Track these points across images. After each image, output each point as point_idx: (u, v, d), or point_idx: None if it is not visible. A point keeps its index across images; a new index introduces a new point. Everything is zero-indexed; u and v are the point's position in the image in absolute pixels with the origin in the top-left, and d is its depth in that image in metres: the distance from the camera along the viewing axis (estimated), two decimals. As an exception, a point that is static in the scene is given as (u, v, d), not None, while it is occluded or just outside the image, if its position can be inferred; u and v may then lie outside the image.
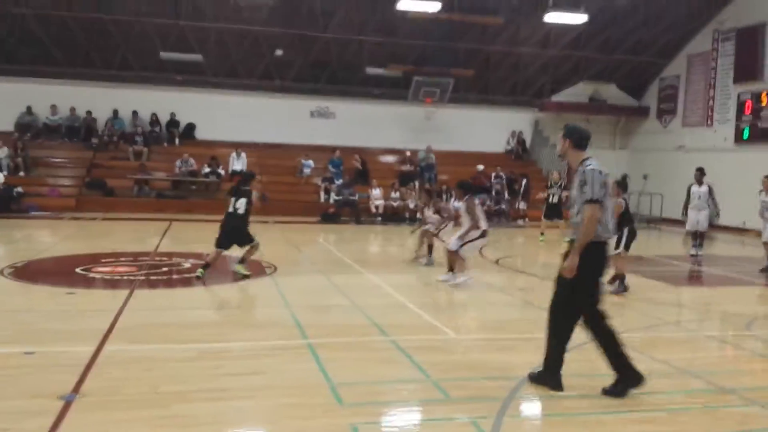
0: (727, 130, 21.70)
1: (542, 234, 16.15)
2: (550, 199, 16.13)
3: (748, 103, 20.96)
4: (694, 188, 13.99)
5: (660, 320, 8.01)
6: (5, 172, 18.82)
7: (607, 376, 5.08)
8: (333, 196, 20.79)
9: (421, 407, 4.77)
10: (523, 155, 25.36)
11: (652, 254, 14.45)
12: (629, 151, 26.76)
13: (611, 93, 26.00)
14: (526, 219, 21.65)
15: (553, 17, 20.48)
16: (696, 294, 10.77)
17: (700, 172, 13.98)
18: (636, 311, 8.51)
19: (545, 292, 9.39)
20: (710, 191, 13.79)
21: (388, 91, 23.77)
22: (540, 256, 14.44)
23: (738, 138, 21.28)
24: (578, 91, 25.61)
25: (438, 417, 4.56)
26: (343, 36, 21.70)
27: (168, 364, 5.50)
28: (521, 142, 25.59)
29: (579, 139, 5.18)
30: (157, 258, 11.28)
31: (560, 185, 15.96)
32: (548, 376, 5.09)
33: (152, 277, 9.57)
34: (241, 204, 9.50)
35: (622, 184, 9.26)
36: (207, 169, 20.95)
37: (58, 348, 5.85)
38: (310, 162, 22.43)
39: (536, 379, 5.16)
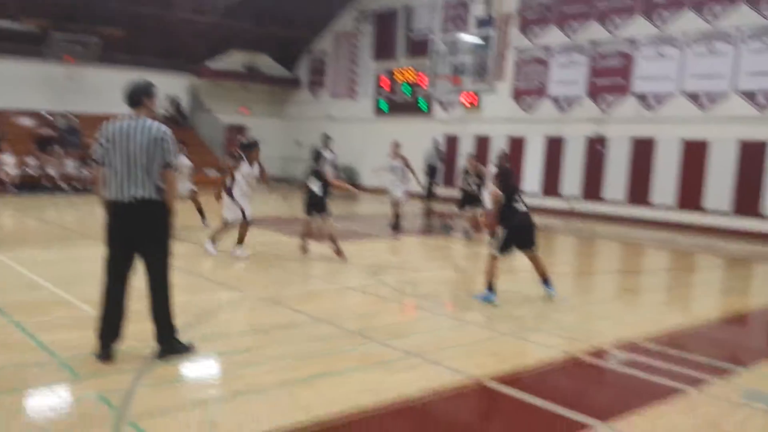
0: (368, 103, 24.02)
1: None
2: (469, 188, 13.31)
3: (385, 80, 23.44)
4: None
5: (306, 275, 8.57)
6: None
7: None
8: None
9: (47, 391, 4.34)
10: (180, 121, 24.71)
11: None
12: (284, 119, 27.95)
13: (265, 63, 26.77)
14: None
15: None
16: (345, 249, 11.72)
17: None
18: (284, 269, 8.95)
19: (205, 259, 9.46)
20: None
21: (22, 47, 20.95)
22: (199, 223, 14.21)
23: (377, 110, 23.72)
24: (234, 60, 25.81)
25: (66, 398, 4.22)
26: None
27: None
28: (178, 108, 24.89)
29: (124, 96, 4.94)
30: None
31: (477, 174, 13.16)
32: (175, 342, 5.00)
33: None
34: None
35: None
36: None
37: None
38: None
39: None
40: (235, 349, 5.32)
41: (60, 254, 9.63)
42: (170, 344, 4.95)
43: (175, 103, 24.73)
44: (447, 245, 12.36)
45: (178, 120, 24.60)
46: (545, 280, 7.64)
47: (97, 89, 22.32)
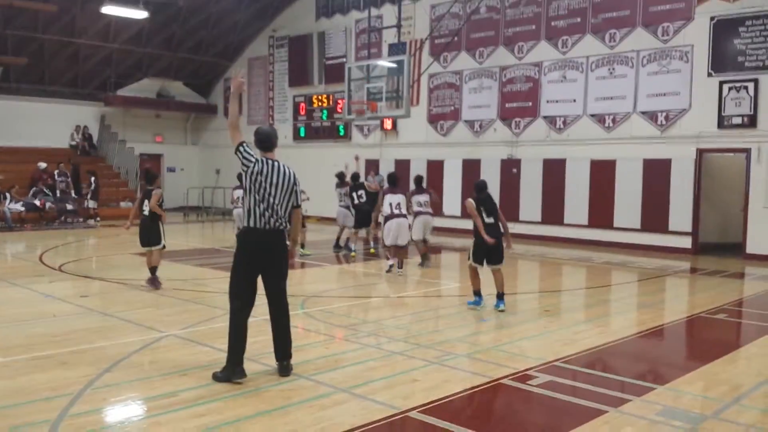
0: (287, 129, 23.92)
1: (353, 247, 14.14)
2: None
3: (302, 105, 23.42)
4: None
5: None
6: None
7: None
8: None
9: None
10: (90, 151, 23.89)
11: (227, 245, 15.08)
12: (200, 147, 27.43)
13: (179, 90, 26.27)
14: (98, 218, 20.47)
15: (111, 10, 19.65)
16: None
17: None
18: (206, 305, 8.72)
19: (116, 297, 9.08)
20: None
21: None
22: (115, 258, 13.70)
23: (296, 135, 23.64)
24: (145, 87, 25.20)
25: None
26: None
27: None
28: (88, 137, 24.05)
29: (258, 141, 5.68)
30: None
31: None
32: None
33: None
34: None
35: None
36: None
37: None
38: None
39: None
40: (158, 393, 5.12)
41: None
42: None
43: (83, 133, 23.86)
44: (356, 270, 12.38)
45: (86, 149, 23.76)
46: (500, 295, 8.40)
47: (4, 121, 21.35)
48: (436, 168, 19.49)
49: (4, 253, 14.68)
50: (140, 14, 20.06)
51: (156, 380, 5.50)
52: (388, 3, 20.48)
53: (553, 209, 17.23)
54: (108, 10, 19.58)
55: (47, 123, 22.74)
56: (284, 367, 5.59)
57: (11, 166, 20.73)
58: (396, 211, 11.42)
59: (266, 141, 5.65)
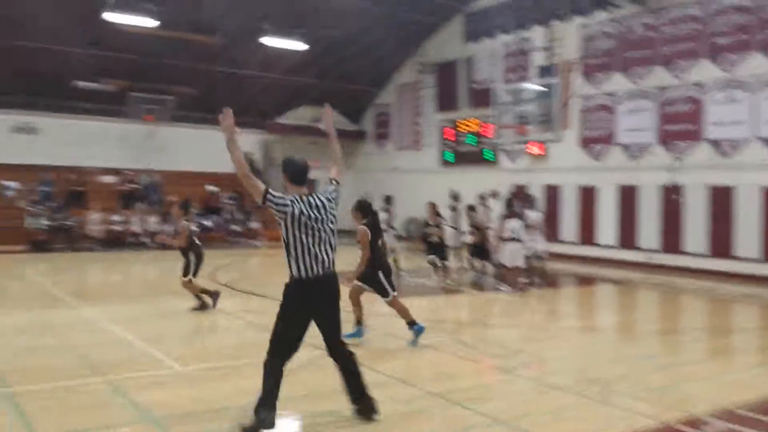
0: (433, 154, 24.20)
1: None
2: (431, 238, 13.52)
3: (449, 130, 23.64)
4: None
5: (377, 330, 8.58)
6: None
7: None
8: (43, 221, 18.65)
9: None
10: (255, 176, 25.57)
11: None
12: (352, 172, 28.40)
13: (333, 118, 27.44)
14: (261, 239, 21.82)
15: (271, 41, 20.98)
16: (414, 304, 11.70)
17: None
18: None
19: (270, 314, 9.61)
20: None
21: (104, 107, 22.16)
22: (275, 276, 14.49)
23: (442, 161, 23.87)
24: (302, 115, 26.56)
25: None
26: (46, 46, 19.64)
27: None
28: (252, 163, 25.76)
29: (294, 174, 4.98)
30: None
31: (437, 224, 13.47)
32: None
33: None
34: None
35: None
36: None
37: None
38: (12, 183, 19.90)
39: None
40: (319, 411, 5.33)
41: (146, 310, 9.95)
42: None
43: (248, 159, 25.56)
44: (501, 299, 12.16)
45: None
46: (411, 323, 7.83)
47: (174, 146, 23.33)
48: (588, 194, 18.83)
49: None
50: (299, 46, 21.28)
51: (323, 397, 5.73)
52: (537, 25, 20.21)
53: (720, 240, 15.95)
54: (268, 41, 20.94)
55: (214, 149, 24.49)
56: (371, 403, 5.13)
57: (182, 189, 22.59)
58: (514, 236, 12.11)
59: (303, 174, 4.98)
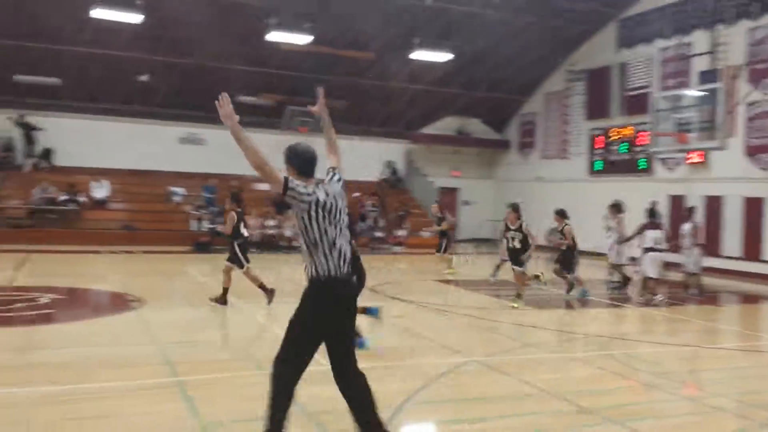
0: (581, 163, 23.41)
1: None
2: (510, 243, 12.10)
3: (599, 138, 22.77)
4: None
5: (525, 342, 8.43)
6: None
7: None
8: (206, 225, 20.18)
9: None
10: (396, 184, 26.10)
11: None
12: (494, 181, 28.16)
13: (476, 127, 27.39)
14: (402, 246, 22.21)
15: (419, 55, 21.35)
16: (557, 316, 11.42)
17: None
18: (502, 334, 8.89)
19: (422, 319, 9.74)
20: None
21: (262, 120, 23.58)
22: (417, 283, 14.72)
23: (591, 170, 23.03)
24: (446, 125, 26.78)
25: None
26: (212, 64, 21.28)
27: (25, 410, 5.08)
28: (394, 172, 26.38)
29: (301, 163, 4.36)
30: (13, 293, 10.41)
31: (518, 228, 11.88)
32: None
33: (7, 314, 8.83)
34: None
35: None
36: (64, 197, 19.67)
37: None
38: (180, 189, 21.71)
39: None
40: (467, 417, 5.34)
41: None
42: None
43: (391, 167, 26.16)
44: (650, 313, 11.44)
45: (393, 183, 26.02)
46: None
47: (324, 156, 24.33)
48: (754, 206, 17.35)
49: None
50: (445, 57, 21.51)
51: (463, 404, 5.74)
52: (699, 29, 18.98)
53: None
54: (416, 55, 21.34)
55: (362, 159, 25.37)
56: None
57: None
58: (656, 246, 12.02)
59: (313, 163, 4.36)
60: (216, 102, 4.06)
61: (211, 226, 19.78)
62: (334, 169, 4.54)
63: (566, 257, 12.58)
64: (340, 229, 4.20)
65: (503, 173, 27.79)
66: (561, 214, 12.97)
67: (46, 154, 21.28)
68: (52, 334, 8.21)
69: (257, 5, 19.12)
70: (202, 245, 19.19)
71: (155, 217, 20.45)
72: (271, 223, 20.86)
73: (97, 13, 17.21)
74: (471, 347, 8.03)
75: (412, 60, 22.03)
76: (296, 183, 4.12)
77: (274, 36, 19.38)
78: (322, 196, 4.16)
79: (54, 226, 19.07)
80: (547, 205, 20.00)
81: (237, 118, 4.07)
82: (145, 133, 22.13)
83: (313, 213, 4.11)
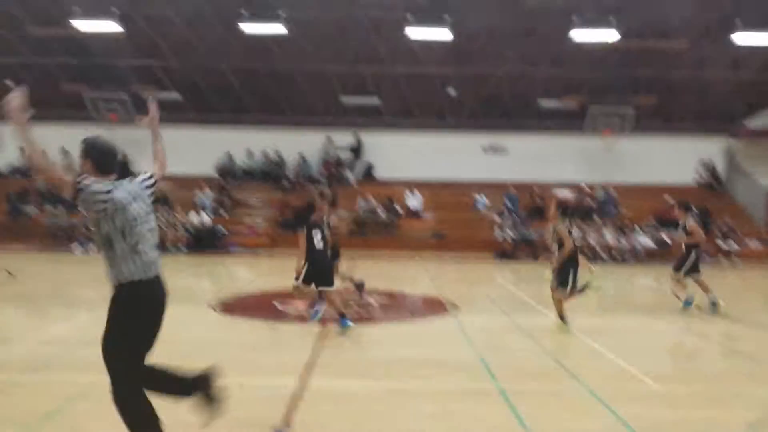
0: None
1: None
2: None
3: None
4: None
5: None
6: (210, 214, 20.87)
7: None
8: (509, 233, 20.56)
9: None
10: (716, 187, 23.48)
11: None
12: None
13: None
14: (735, 258, 20.03)
15: (742, 38, 18.99)
16: None
17: None
18: None
19: (755, 342, 8.64)
20: None
21: (563, 123, 23.23)
22: (745, 301, 13.12)
23: None
24: (779, 116, 23.38)
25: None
26: (516, 71, 21.58)
27: (367, 402, 5.70)
28: (713, 172, 23.73)
29: (99, 158, 4.08)
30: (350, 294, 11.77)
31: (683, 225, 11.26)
32: None
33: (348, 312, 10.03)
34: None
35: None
36: (380, 208, 21.64)
37: (264, 380, 6.28)
38: (484, 198, 22.44)
39: None
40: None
41: (611, 323, 10.06)
42: None
43: (709, 167, 23.69)
44: None
45: (712, 185, 23.49)
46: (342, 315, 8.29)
47: (632, 159, 23.06)
48: None
49: (636, 285, 15.72)
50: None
51: None
52: None
53: None
54: (739, 38, 19.02)
55: (670, 159, 23.42)
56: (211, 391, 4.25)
57: (635, 202, 22.09)
58: None
59: (112, 157, 4.10)
60: (7, 96, 3.71)
61: (514, 234, 20.04)
62: (152, 175, 4.43)
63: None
64: (142, 230, 4.03)
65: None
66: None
67: (369, 168, 23.74)
68: (384, 332, 9.07)
69: (560, 6, 18.81)
70: (504, 253, 19.59)
71: (461, 224, 21.43)
72: (575, 232, 20.37)
73: (411, 31, 18.48)
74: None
75: (734, 45, 19.64)
76: (89, 182, 3.89)
77: (579, 36, 18.88)
78: (119, 195, 3.96)
79: (374, 235, 21.05)
80: None
81: (27, 115, 3.76)
82: (453, 144, 23.37)
83: (110, 214, 3.92)
